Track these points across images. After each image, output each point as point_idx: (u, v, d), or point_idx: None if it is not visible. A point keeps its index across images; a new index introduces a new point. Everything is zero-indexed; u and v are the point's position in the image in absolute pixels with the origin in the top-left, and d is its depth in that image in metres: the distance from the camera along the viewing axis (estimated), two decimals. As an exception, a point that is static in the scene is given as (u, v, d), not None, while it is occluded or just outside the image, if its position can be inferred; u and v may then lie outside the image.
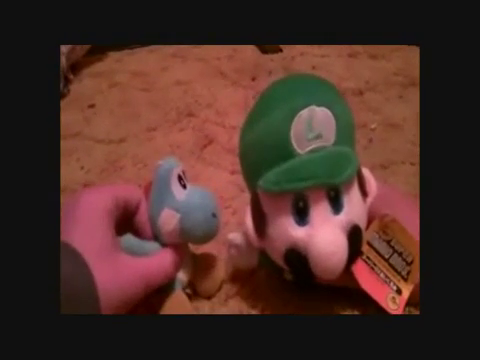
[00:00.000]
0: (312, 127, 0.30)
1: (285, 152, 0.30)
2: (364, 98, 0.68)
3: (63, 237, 0.30)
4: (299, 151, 0.30)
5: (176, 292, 0.36)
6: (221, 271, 0.39)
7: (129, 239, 0.35)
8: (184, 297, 0.37)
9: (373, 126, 0.61)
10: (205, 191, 0.35)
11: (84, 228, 0.31)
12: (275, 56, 0.82)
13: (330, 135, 0.31)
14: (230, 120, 0.63)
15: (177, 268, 0.35)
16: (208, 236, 0.35)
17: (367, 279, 0.33)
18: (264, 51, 0.83)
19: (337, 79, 0.69)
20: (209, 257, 0.40)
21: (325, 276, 0.31)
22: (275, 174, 0.31)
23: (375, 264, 0.34)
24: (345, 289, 0.35)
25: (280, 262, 0.33)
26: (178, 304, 0.36)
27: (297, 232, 0.31)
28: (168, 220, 0.34)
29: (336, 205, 0.31)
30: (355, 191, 0.32)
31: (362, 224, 0.32)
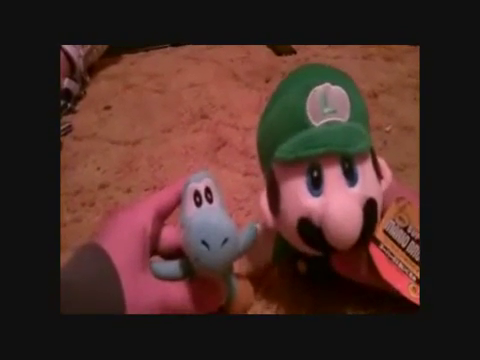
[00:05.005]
0: (327, 102, 0.31)
1: (301, 124, 0.31)
2: (378, 100, 0.67)
3: (96, 242, 0.32)
4: (314, 123, 0.31)
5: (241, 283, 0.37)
6: (251, 298, 0.38)
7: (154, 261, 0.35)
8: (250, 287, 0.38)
9: (388, 128, 0.60)
10: (212, 216, 0.32)
11: (117, 238, 0.33)
12: (289, 58, 0.82)
13: (345, 112, 0.31)
14: (243, 122, 0.64)
15: (199, 308, 0.34)
16: (199, 263, 0.31)
17: (387, 270, 0.33)
18: (278, 53, 0.84)
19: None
20: (244, 282, 0.38)
21: (339, 245, 0.30)
22: (290, 144, 0.31)
23: (393, 254, 0.34)
24: (359, 287, 0.35)
25: (293, 238, 0.32)
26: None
27: (311, 202, 0.31)
28: (178, 233, 0.34)
29: (351, 177, 0.31)
30: (369, 168, 0.32)
31: (378, 200, 0.32)
